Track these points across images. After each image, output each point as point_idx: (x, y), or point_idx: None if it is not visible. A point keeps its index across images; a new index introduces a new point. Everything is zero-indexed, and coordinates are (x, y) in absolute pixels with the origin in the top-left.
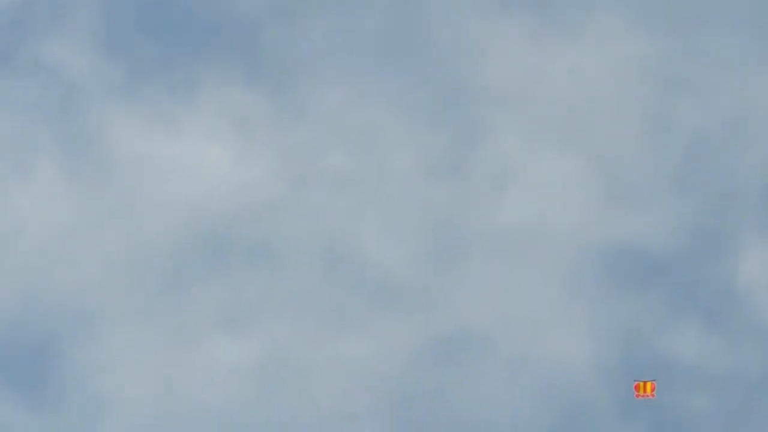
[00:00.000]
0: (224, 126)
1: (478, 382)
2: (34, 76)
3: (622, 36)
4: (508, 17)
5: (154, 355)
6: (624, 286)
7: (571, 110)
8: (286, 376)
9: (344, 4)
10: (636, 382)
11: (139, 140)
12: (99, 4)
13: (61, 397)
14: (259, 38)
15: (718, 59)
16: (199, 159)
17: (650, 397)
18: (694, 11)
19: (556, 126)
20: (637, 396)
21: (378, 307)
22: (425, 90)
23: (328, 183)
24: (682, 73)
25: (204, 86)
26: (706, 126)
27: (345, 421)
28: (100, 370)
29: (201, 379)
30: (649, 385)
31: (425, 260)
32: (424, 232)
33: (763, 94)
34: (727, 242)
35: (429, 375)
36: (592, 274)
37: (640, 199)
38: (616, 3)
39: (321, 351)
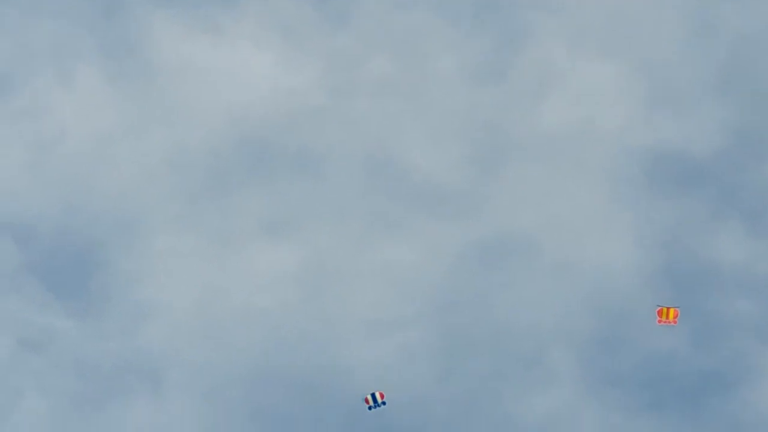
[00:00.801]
0: (267, 32)
1: (521, 286)
2: None
3: None
4: None
5: (196, 261)
6: (667, 190)
7: (614, 16)
8: (328, 282)
9: None
10: (659, 307)
11: (182, 46)
12: None
13: (105, 304)
14: None
15: None
16: (241, 65)
17: (672, 324)
18: None
19: (599, 31)
20: (659, 322)
21: (420, 213)
22: None
23: (371, 89)
24: None
25: None
26: (748, 29)
27: (387, 327)
28: (142, 277)
29: (243, 285)
30: (672, 311)
31: (468, 166)
32: (467, 138)
33: None
34: None
35: (472, 280)
36: (635, 178)
37: (683, 103)
38: None
39: (363, 257)
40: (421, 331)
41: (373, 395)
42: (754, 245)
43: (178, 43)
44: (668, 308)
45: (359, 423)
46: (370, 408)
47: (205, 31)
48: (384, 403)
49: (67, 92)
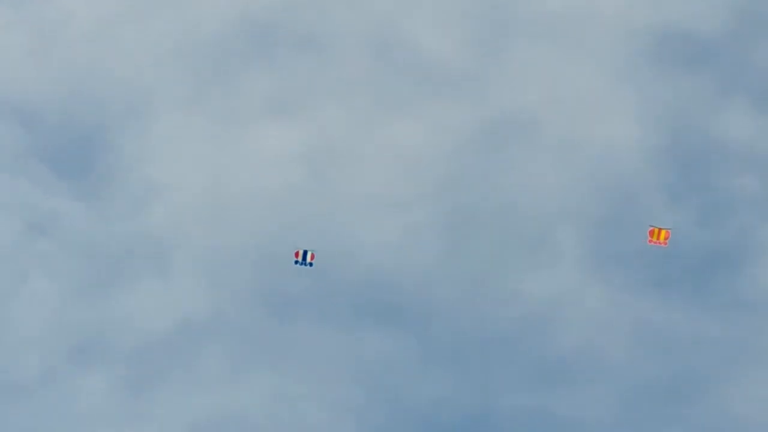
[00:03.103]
0: None
1: (526, 166)
2: None
3: None
4: None
5: (202, 142)
6: (672, 69)
7: None
8: (334, 163)
9: None
10: (651, 228)
11: None
12: None
13: (111, 186)
14: None
15: None
16: None
17: (662, 245)
18: None
19: None
20: (650, 242)
21: (426, 93)
22: None
23: None
24: None
25: None
26: None
27: (393, 206)
28: (148, 159)
29: (249, 165)
30: (663, 232)
31: (473, 46)
32: (472, 17)
33: None
34: None
35: (477, 160)
36: (639, 57)
37: None
38: None
39: (369, 137)
40: (427, 211)
41: (305, 252)
42: (760, 122)
43: None
44: (659, 229)
45: (365, 302)
46: (296, 263)
47: None
48: (311, 264)
49: None
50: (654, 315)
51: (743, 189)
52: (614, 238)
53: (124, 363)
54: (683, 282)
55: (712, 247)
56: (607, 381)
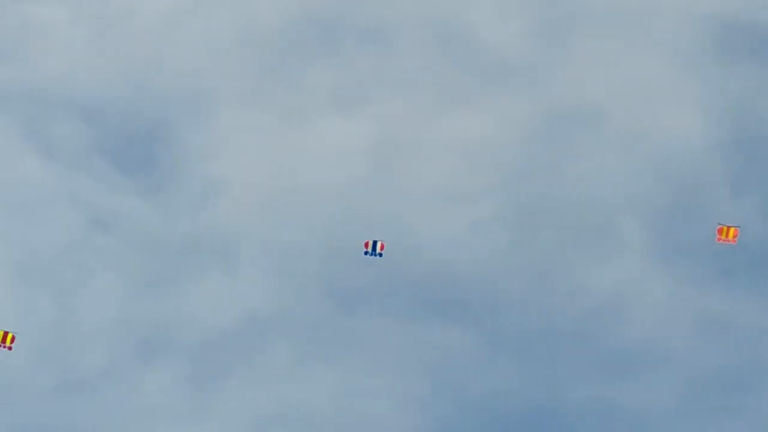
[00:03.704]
0: None
1: (591, 157)
2: None
3: None
4: None
5: (266, 136)
6: (738, 59)
7: None
8: (398, 156)
9: None
10: (720, 226)
11: None
12: None
13: (174, 182)
14: None
15: None
16: None
17: (731, 242)
18: None
19: None
20: (719, 240)
21: (490, 85)
22: None
23: None
24: None
25: None
26: None
27: (457, 199)
28: (212, 154)
29: (313, 159)
30: (732, 230)
31: (537, 37)
32: (535, 8)
33: None
34: None
35: (541, 152)
36: (704, 47)
37: None
38: None
39: (433, 129)
40: (492, 203)
41: (374, 242)
42: None
43: None
44: (728, 227)
45: (431, 296)
46: (366, 253)
47: None
48: (381, 254)
49: None
50: (719, 306)
51: None
52: (679, 230)
53: (189, 358)
54: (749, 273)
55: None
56: (672, 372)
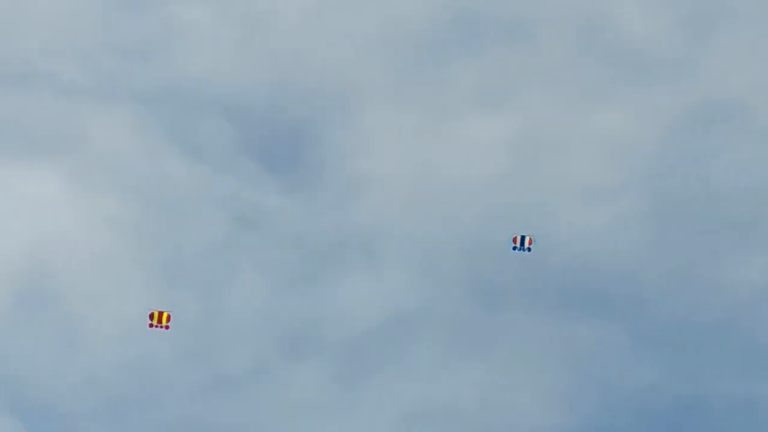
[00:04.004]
0: None
1: (734, 151)
2: None
3: None
4: None
5: (410, 133)
6: None
7: None
8: (541, 152)
9: None
10: None
11: None
12: None
13: (318, 180)
14: None
15: None
16: None
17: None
18: None
19: None
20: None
21: (633, 79)
22: None
23: None
24: None
25: None
26: None
27: (601, 194)
28: (356, 151)
29: (457, 155)
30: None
31: (681, 30)
32: (679, 2)
33: None
34: None
35: (685, 146)
36: None
37: None
38: None
39: (576, 125)
40: (635, 198)
41: (522, 237)
42: None
43: None
44: None
45: (574, 291)
46: (514, 248)
47: None
48: (529, 249)
49: None
50: None
51: None
52: None
53: (334, 356)
54: None
55: None
56: None
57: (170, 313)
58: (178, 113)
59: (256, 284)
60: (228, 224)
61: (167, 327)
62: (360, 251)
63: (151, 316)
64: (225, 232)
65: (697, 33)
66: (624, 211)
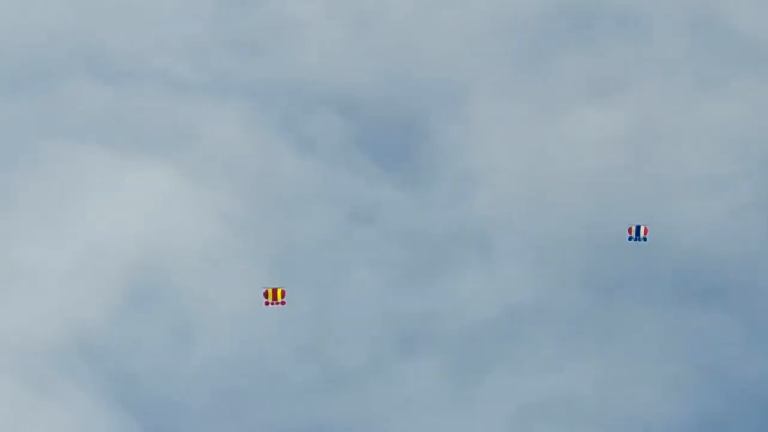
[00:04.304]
0: None
1: None
2: None
3: None
4: None
5: (522, 127)
6: None
7: None
8: (656, 143)
9: None
10: None
11: None
12: None
13: (432, 174)
14: None
15: None
16: None
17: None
18: None
19: None
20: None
21: (746, 71)
22: None
23: None
24: None
25: None
26: None
27: (716, 186)
28: (469, 144)
29: (570, 148)
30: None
31: None
32: None
33: None
34: None
35: None
36: None
37: None
38: None
39: (689, 116)
40: (751, 188)
41: (638, 227)
42: None
43: None
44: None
45: (691, 282)
46: (630, 239)
47: None
48: (645, 239)
49: None
50: None
51: None
52: None
53: (449, 351)
54: None
55: None
56: None
57: (284, 289)
58: (289, 108)
59: (370, 280)
60: (341, 219)
61: (283, 303)
62: (474, 245)
63: (266, 294)
64: (338, 227)
65: None
66: (740, 201)
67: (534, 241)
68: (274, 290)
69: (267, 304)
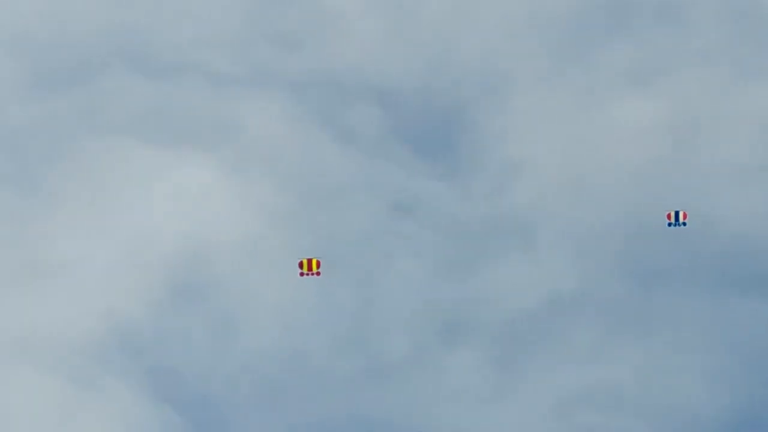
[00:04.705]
0: None
1: None
2: None
3: None
4: None
5: (562, 116)
6: None
7: None
8: (696, 131)
9: None
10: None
11: None
12: None
13: (472, 164)
14: None
15: None
16: None
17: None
18: None
19: None
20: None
21: None
22: None
23: None
24: None
25: None
26: None
27: (756, 174)
28: (508, 135)
29: (610, 137)
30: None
31: None
32: None
33: None
34: None
35: None
36: None
37: None
38: None
39: (729, 104)
40: None
41: (676, 212)
42: None
43: None
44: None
45: (732, 271)
46: (669, 224)
47: None
48: (684, 224)
49: None
50: None
51: None
52: None
53: (491, 340)
54: None
55: None
56: None
57: (320, 260)
58: (331, 100)
59: (412, 270)
60: (383, 211)
61: (318, 273)
62: (516, 235)
63: (301, 265)
64: (379, 219)
65: None
66: None
67: (575, 230)
68: (309, 260)
69: (302, 275)
